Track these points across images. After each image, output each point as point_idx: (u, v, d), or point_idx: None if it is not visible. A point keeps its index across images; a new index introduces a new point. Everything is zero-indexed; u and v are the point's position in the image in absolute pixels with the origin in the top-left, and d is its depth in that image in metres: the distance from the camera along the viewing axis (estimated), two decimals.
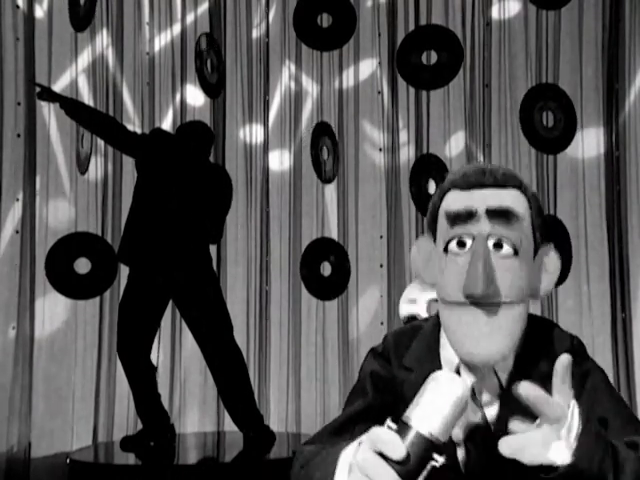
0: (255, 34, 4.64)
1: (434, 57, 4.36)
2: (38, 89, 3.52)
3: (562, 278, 3.98)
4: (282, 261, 4.52)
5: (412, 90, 4.45)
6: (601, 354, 3.98)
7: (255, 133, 4.60)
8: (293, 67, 4.64)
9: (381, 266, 4.48)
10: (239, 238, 4.51)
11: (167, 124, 4.46)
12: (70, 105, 3.46)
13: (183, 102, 4.44)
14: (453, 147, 4.43)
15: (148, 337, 3.48)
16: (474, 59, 4.35)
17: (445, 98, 4.42)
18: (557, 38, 4.16)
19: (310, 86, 4.65)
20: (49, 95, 3.47)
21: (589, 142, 4.23)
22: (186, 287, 3.47)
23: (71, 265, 4.08)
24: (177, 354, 4.25)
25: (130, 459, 3.64)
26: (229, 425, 3.84)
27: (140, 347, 3.45)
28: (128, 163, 4.31)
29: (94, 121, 3.49)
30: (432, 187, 4.37)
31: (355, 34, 4.51)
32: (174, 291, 3.50)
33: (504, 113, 4.33)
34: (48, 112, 4.19)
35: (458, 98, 4.39)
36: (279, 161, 4.66)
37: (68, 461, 3.54)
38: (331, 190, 4.57)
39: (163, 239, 3.42)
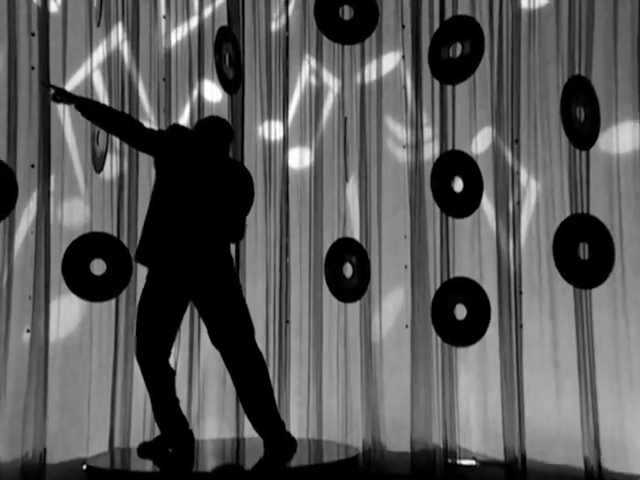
0: (274, 27, 4.63)
1: (460, 49, 4.32)
2: (52, 91, 3.54)
3: (602, 277, 3.95)
4: (302, 262, 4.51)
5: (437, 84, 4.42)
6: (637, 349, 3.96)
7: (274, 130, 4.59)
8: (313, 61, 4.63)
9: (405, 267, 4.46)
10: (258, 238, 4.51)
11: (184, 121, 4.47)
12: (86, 106, 3.48)
13: (200, 98, 4.44)
14: (480, 143, 4.40)
15: (167, 340, 3.49)
16: (502, 51, 4.31)
17: (471, 92, 4.38)
18: (590, 28, 4.11)
19: (331, 81, 4.63)
20: (63, 97, 3.49)
21: (624, 137, 4.18)
22: (206, 288, 3.47)
23: (86, 266, 4.11)
24: (195, 358, 4.26)
25: (147, 466, 3.65)
26: (249, 431, 3.84)
27: (159, 350, 3.47)
28: (144, 161, 4.33)
29: (110, 120, 3.50)
30: (458, 185, 4.35)
31: (378, 26, 4.49)
32: (194, 292, 3.51)
33: (534, 107, 4.29)
34: (63, 109, 4.21)
35: (485, 92, 4.36)
36: (299, 159, 4.64)
37: (84, 467, 3.56)
38: (353, 188, 4.55)
39: (182, 239, 3.43)
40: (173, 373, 3.53)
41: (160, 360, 3.46)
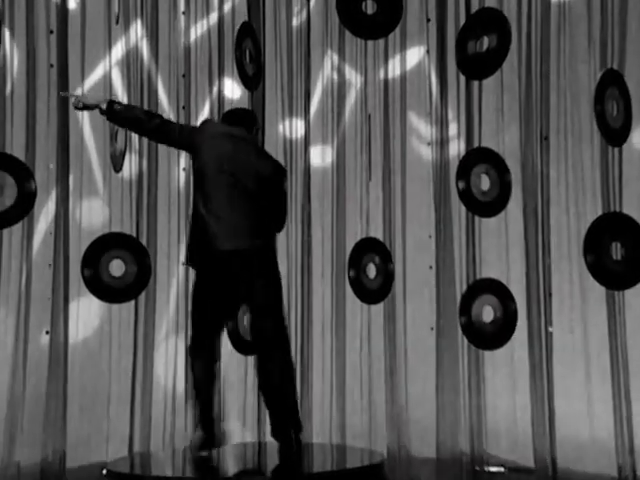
0: (295, 22, 4.57)
1: (487, 43, 4.23)
2: (72, 99, 3.50)
3: (636, 278, 3.83)
4: (324, 262, 4.46)
5: (463, 79, 4.33)
6: None
7: (295, 127, 4.54)
8: (336, 57, 4.56)
9: (430, 268, 4.38)
10: (279, 238, 4.43)
11: (203, 117, 4.42)
12: (109, 111, 3.42)
13: (220, 95, 4.40)
14: (507, 140, 4.29)
15: (216, 340, 3.49)
16: (530, 44, 4.20)
17: (498, 87, 4.27)
18: (623, 20, 3.99)
19: (353, 77, 4.57)
20: (85, 105, 3.45)
21: None
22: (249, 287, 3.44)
23: (105, 267, 4.09)
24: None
25: (167, 470, 3.62)
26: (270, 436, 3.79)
27: (202, 348, 3.44)
28: (163, 160, 4.31)
29: (134, 121, 3.45)
30: (485, 183, 4.26)
31: (402, 20, 4.41)
32: (239, 291, 3.48)
33: (564, 103, 4.17)
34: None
35: (513, 87, 4.25)
36: (321, 157, 4.59)
37: (104, 472, 3.53)
38: (376, 187, 4.48)
39: (207, 237, 3.39)
40: (213, 376, 3.50)
41: (202, 357, 3.42)
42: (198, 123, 4.38)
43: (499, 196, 4.23)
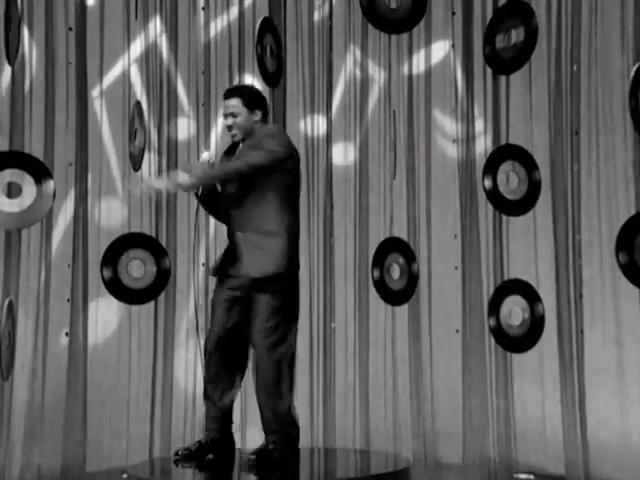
0: (317, 16, 4.52)
1: (514, 37, 4.16)
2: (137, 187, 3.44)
3: None
4: (347, 263, 4.41)
5: (489, 74, 4.26)
6: None
7: (317, 124, 4.49)
8: (358, 52, 4.51)
9: (456, 268, 4.31)
10: (301, 238, 4.38)
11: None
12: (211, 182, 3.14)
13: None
14: (536, 136, 4.21)
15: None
16: (560, 37, 4.11)
17: (527, 82, 4.19)
18: None
19: (377, 72, 4.50)
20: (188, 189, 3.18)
21: None
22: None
23: (125, 268, 4.08)
24: None
25: (188, 476, 3.58)
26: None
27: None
28: (183, 158, 4.27)
29: (236, 170, 3.09)
30: (514, 181, 4.18)
31: (426, 14, 4.35)
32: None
33: (595, 97, 4.07)
34: (100, 107, 4.17)
35: (541, 82, 4.17)
36: (343, 154, 4.53)
37: (124, 476, 3.51)
38: (400, 186, 4.41)
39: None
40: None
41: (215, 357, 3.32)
42: (219, 121, 4.42)
43: (527, 194, 4.17)
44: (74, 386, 3.92)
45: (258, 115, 3.16)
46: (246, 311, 3.14)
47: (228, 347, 3.17)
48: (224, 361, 3.18)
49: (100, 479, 3.92)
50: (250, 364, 3.22)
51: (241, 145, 3.20)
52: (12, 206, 3.95)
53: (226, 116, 3.16)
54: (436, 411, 4.23)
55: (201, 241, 4.28)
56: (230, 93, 3.18)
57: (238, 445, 3.68)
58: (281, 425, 3.15)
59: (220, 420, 3.36)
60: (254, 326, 3.09)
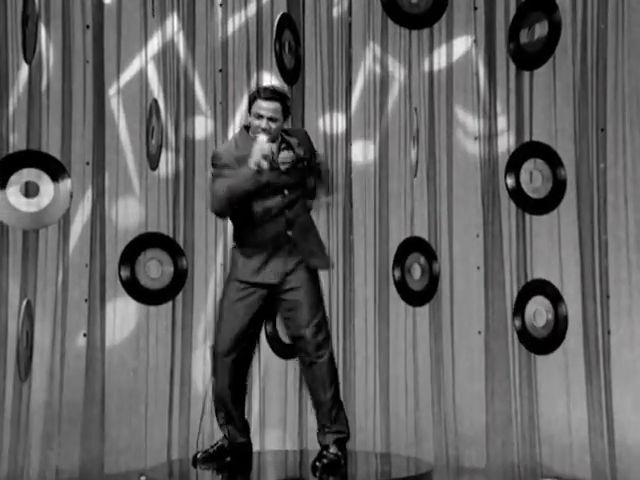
0: (336, 12, 4.47)
1: (538, 31, 4.11)
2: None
3: None
4: (367, 262, 4.37)
5: (512, 69, 4.21)
6: None
7: (336, 122, 4.45)
8: (378, 48, 4.46)
9: (478, 268, 4.27)
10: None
11: (241, 114, 4.36)
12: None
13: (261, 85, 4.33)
14: (560, 133, 4.16)
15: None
16: (586, 32, 4.05)
17: (551, 78, 4.14)
18: None
19: (397, 69, 4.46)
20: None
21: None
22: None
23: (143, 268, 4.08)
24: (254, 367, 4.17)
25: (206, 478, 3.57)
26: (312, 443, 3.72)
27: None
28: (200, 157, 4.26)
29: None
30: (537, 179, 4.13)
31: (448, 9, 4.30)
32: None
33: (622, 92, 4.00)
34: (117, 105, 4.16)
35: (566, 77, 4.11)
36: (363, 153, 4.49)
37: (143, 479, 3.51)
38: (421, 184, 4.37)
39: None
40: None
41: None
42: (236, 119, 4.41)
43: (552, 192, 4.12)
44: (92, 387, 3.93)
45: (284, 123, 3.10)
46: (264, 315, 3.17)
47: (242, 351, 3.16)
48: (238, 365, 3.17)
49: None
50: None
51: None
52: (30, 206, 3.96)
53: (265, 118, 2.98)
54: (458, 414, 4.19)
55: (219, 241, 4.28)
56: (274, 95, 3.01)
57: (257, 448, 3.69)
58: (343, 421, 3.16)
59: (238, 422, 3.36)
60: (300, 322, 3.07)
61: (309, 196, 3.23)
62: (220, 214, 3.09)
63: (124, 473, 3.94)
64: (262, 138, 2.97)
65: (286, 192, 3.06)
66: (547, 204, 4.13)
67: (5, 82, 3.95)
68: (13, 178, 3.95)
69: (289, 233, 3.09)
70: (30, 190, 3.97)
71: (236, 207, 3.01)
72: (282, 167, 3.05)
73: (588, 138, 4.05)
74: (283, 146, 3.08)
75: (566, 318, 4.03)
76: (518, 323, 4.12)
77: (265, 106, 3.00)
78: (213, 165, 3.07)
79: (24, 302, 3.90)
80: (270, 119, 3.00)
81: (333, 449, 3.10)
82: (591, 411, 3.91)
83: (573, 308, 4.03)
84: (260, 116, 3.01)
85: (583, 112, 4.07)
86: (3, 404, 3.82)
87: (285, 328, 3.24)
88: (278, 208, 3.07)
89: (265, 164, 2.92)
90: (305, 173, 3.17)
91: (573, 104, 4.10)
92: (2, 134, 3.94)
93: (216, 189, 2.99)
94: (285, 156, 3.06)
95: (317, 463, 3.09)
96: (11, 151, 3.97)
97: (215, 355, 3.16)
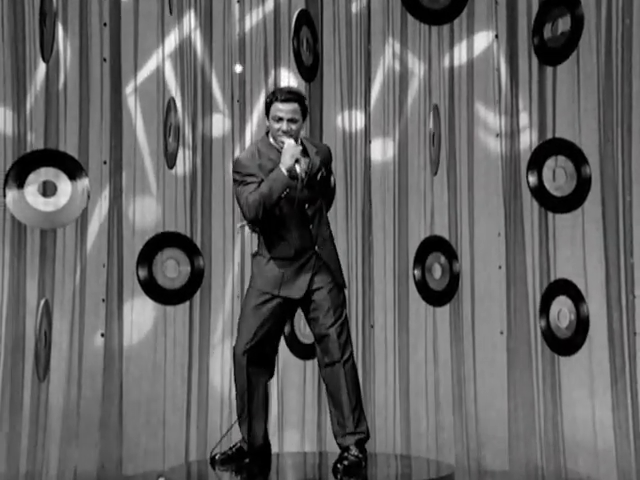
0: (355, 8, 4.45)
1: (561, 26, 4.07)
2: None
3: None
4: (387, 262, 4.35)
5: (535, 65, 4.18)
6: None
7: (355, 119, 4.43)
8: (397, 44, 4.43)
9: (499, 268, 4.24)
10: (339, 237, 4.33)
11: (258, 111, 4.35)
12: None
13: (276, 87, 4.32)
14: (584, 130, 4.12)
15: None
16: (610, 27, 4.01)
17: (575, 74, 4.11)
18: None
19: (416, 65, 4.44)
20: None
21: None
22: None
23: (160, 267, 4.08)
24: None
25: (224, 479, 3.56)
26: (331, 445, 3.71)
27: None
28: (218, 156, 4.26)
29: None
30: (560, 177, 4.09)
31: (469, 4, 4.28)
32: None
33: None
34: (134, 104, 4.17)
35: (590, 72, 4.08)
36: (382, 150, 4.46)
37: None
38: (441, 182, 4.35)
39: None
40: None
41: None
42: (254, 117, 4.41)
43: (576, 190, 4.09)
44: (110, 387, 3.94)
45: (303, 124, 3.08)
46: (285, 317, 3.19)
47: (261, 352, 3.15)
48: (256, 365, 3.16)
49: None
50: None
51: None
52: (47, 205, 3.98)
53: (285, 120, 2.97)
54: (480, 416, 4.16)
55: (236, 240, 4.27)
56: (291, 96, 3.00)
57: (275, 449, 3.68)
58: (363, 422, 3.14)
59: (257, 423, 3.35)
60: (325, 322, 3.07)
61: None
62: (255, 221, 3.05)
63: (142, 474, 3.95)
64: (291, 142, 2.96)
65: (307, 205, 3.05)
66: (571, 202, 4.10)
67: (23, 81, 3.96)
68: (31, 177, 3.97)
69: (316, 248, 3.09)
70: (48, 189, 3.99)
71: (269, 213, 3.00)
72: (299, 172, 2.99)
73: (613, 134, 4.01)
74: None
75: (590, 319, 4.00)
76: (543, 323, 4.08)
77: (283, 108, 2.99)
78: (237, 172, 3.05)
79: (42, 302, 3.92)
80: (290, 120, 2.99)
81: (354, 451, 3.07)
82: (616, 413, 3.87)
83: (598, 308, 3.99)
84: (280, 119, 2.99)
85: (608, 107, 4.02)
86: (22, 403, 3.84)
87: (310, 328, 3.23)
88: (302, 221, 3.07)
89: (297, 168, 2.92)
90: (322, 187, 3.15)
91: (597, 100, 4.05)
92: (20, 133, 3.96)
93: (247, 197, 2.98)
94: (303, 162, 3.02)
95: (338, 465, 3.06)
96: (29, 150, 3.98)
97: (233, 355, 3.18)
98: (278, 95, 3.01)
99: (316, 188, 3.08)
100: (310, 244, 3.08)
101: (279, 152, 3.00)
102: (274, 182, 2.94)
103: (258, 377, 3.21)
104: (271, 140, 3.05)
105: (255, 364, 3.15)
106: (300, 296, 3.09)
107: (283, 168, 2.93)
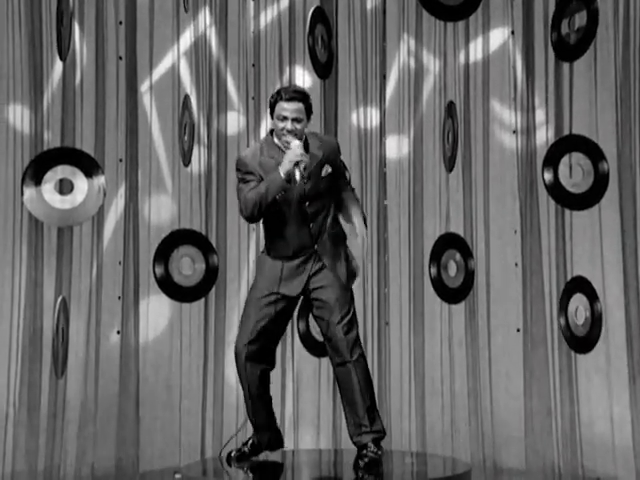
0: (370, 5, 4.48)
1: (578, 22, 4.06)
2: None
3: None
4: (402, 259, 4.37)
5: (551, 61, 4.16)
6: None
7: (370, 116, 4.46)
8: (412, 41, 4.45)
9: (516, 265, 4.23)
10: (352, 234, 4.39)
11: None
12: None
13: (291, 84, 4.34)
14: (601, 126, 4.10)
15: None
16: (629, 22, 3.99)
17: (592, 69, 4.09)
18: None
19: (431, 62, 4.45)
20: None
21: None
22: None
23: (176, 265, 4.13)
24: (288, 365, 4.18)
25: (239, 476, 3.60)
26: (346, 443, 3.73)
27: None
28: (233, 154, 4.29)
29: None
30: (578, 175, 4.08)
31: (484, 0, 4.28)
32: None
33: None
34: (150, 101, 4.21)
35: (607, 67, 4.06)
36: (397, 147, 4.49)
37: (178, 476, 3.54)
38: (456, 179, 4.35)
39: None
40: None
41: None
42: (269, 115, 4.41)
43: (592, 187, 4.07)
44: (126, 384, 3.99)
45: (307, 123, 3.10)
46: (288, 315, 3.21)
47: (260, 347, 3.18)
48: (255, 360, 3.20)
49: (153, 479, 3.97)
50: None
51: None
52: (64, 203, 4.03)
53: (290, 119, 2.99)
54: (496, 413, 4.16)
55: (251, 237, 4.31)
56: (296, 96, 3.02)
57: (290, 447, 3.71)
58: (379, 420, 3.16)
59: (270, 420, 3.39)
60: (331, 320, 3.10)
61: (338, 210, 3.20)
62: (251, 220, 3.11)
63: (158, 471, 3.99)
64: (296, 143, 2.98)
65: (307, 203, 3.07)
66: (588, 199, 4.08)
67: (40, 80, 4.02)
68: (48, 175, 4.02)
69: (315, 247, 3.10)
70: (64, 187, 4.04)
71: (265, 213, 3.04)
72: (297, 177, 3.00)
73: (631, 130, 3.99)
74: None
75: (607, 316, 3.97)
76: (562, 321, 4.08)
77: (288, 107, 3.01)
78: (237, 170, 3.09)
79: (59, 299, 3.97)
80: (294, 120, 3.01)
81: (373, 447, 3.10)
82: (634, 411, 3.86)
83: (615, 305, 3.97)
84: (284, 118, 3.02)
85: (625, 103, 4.01)
86: (39, 400, 3.89)
87: (319, 327, 3.26)
88: (301, 220, 3.09)
89: (296, 173, 2.94)
90: (332, 186, 3.15)
91: (615, 95, 4.04)
92: (37, 131, 4.01)
93: (245, 195, 3.03)
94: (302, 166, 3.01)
95: (360, 462, 3.10)
96: (45, 148, 4.04)
97: (235, 350, 3.22)
98: (283, 94, 3.04)
99: (321, 185, 3.09)
100: (310, 242, 3.10)
101: (281, 151, 3.04)
102: (271, 183, 2.99)
103: (257, 369, 3.23)
104: (275, 139, 3.08)
105: (255, 360, 3.18)
106: (297, 293, 3.12)
107: (281, 171, 2.96)
